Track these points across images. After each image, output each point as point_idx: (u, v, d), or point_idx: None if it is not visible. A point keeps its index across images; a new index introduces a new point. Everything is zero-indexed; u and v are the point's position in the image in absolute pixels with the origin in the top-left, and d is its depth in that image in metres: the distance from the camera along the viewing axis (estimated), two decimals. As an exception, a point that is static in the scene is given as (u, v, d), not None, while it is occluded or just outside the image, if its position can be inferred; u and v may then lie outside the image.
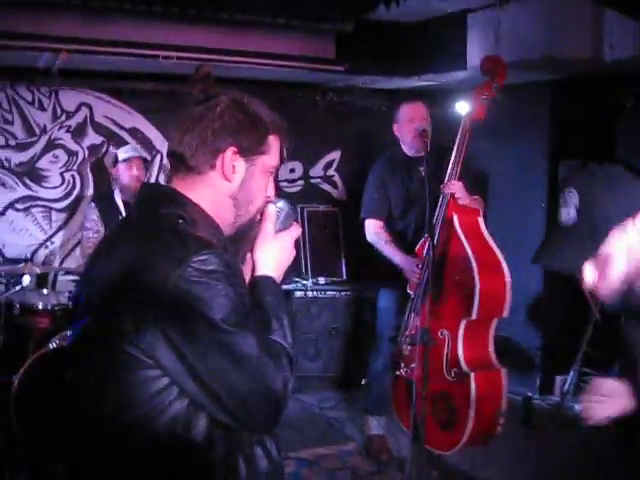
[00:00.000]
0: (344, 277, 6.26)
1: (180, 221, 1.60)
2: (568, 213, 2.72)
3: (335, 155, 6.62)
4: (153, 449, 1.53)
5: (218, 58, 4.98)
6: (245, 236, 1.77)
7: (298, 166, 6.49)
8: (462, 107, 5.10)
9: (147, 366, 1.49)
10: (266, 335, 1.60)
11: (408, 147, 4.54)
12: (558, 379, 5.65)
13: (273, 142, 1.74)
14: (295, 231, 1.83)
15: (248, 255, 1.80)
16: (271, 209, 1.79)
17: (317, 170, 6.58)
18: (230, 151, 1.68)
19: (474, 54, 4.98)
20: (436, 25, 5.22)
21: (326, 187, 6.62)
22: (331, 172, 6.62)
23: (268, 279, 1.74)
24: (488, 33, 4.84)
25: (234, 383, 1.51)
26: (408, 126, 4.46)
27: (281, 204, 1.80)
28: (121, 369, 1.51)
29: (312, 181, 6.56)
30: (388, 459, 4.56)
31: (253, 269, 1.76)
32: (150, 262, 1.51)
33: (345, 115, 6.50)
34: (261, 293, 1.70)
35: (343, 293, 6.01)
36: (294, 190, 6.46)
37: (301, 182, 6.51)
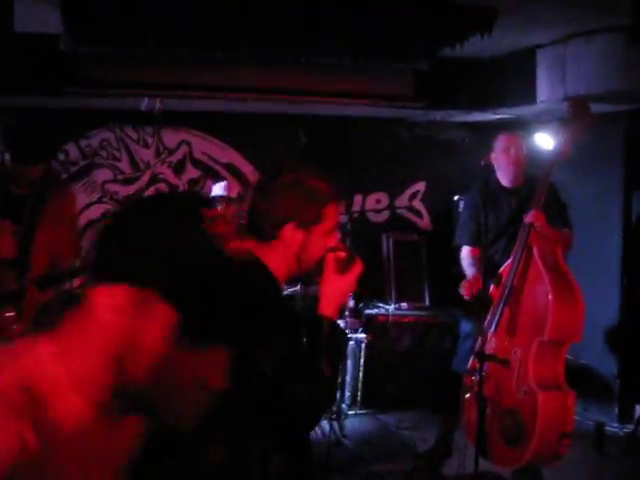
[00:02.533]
0: (427, 303, 6.49)
1: None
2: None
3: (420, 186, 6.90)
4: None
5: (301, 99, 5.40)
6: (310, 277, 2.20)
7: (384, 197, 6.82)
8: (542, 139, 5.32)
9: None
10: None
11: (502, 176, 4.72)
12: (638, 408, 5.67)
13: (330, 211, 2.11)
14: (356, 270, 2.16)
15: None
16: (330, 257, 2.15)
17: (402, 200, 6.89)
18: (291, 225, 2.06)
19: (543, 89, 5.17)
20: (507, 61, 5.46)
21: (411, 217, 6.91)
22: (416, 202, 6.91)
23: (325, 319, 2.11)
24: (555, 68, 5.02)
25: None
26: (503, 155, 4.65)
27: (342, 252, 2.17)
28: None
29: (397, 211, 6.87)
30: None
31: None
32: None
33: (429, 148, 6.78)
34: (319, 330, 2.08)
35: (424, 318, 6.25)
36: (380, 219, 6.79)
37: (387, 212, 6.83)
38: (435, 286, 6.52)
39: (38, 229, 3.97)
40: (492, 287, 4.40)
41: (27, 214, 3.95)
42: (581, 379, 5.89)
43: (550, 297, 4.12)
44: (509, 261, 4.36)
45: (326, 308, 2.12)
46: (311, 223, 2.08)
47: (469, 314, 4.82)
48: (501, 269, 4.44)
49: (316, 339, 2.05)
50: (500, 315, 4.28)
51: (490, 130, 6.49)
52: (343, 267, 2.16)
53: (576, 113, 4.28)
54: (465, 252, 4.88)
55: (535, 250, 4.27)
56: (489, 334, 4.28)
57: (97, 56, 4.89)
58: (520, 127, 6.24)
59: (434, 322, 6.23)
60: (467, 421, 4.55)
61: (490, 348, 4.29)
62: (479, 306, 4.34)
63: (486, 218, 4.62)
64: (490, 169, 4.72)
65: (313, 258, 2.13)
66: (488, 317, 4.33)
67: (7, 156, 3.86)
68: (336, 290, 2.14)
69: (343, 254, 2.17)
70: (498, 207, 4.70)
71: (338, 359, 2.13)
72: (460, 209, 5.03)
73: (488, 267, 4.62)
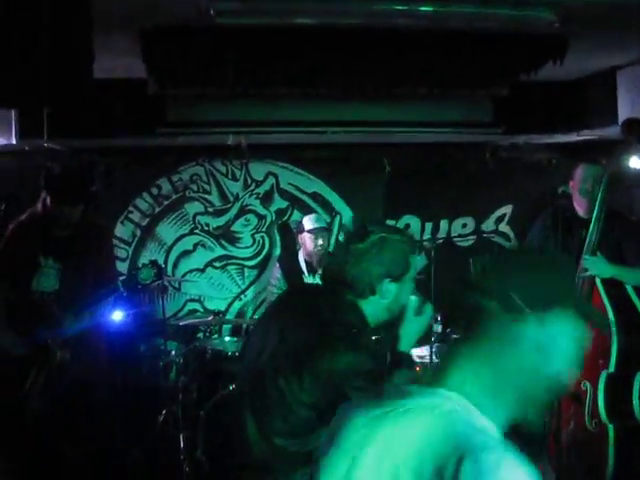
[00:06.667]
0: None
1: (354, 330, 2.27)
2: None
3: (506, 209, 6.86)
4: None
5: (380, 130, 5.50)
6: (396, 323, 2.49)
7: (470, 221, 6.82)
8: (634, 160, 5.08)
9: None
10: None
11: (578, 205, 4.55)
12: None
13: (413, 259, 2.38)
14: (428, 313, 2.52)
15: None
16: (412, 301, 2.48)
17: (489, 224, 6.86)
18: (385, 281, 2.32)
19: (624, 110, 5.09)
20: (588, 82, 5.40)
21: (498, 240, 6.87)
22: (503, 226, 6.87)
23: (404, 354, 2.48)
24: (635, 90, 4.94)
25: None
26: (578, 186, 4.51)
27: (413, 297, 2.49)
28: None
29: (484, 235, 6.84)
30: None
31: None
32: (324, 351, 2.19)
33: (515, 170, 6.73)
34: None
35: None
36: (466, 244, 6.78)
37: (473, 237, 6.82)
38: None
39: (79, 265, 4.25)
40: None
41: (68, 252, 4.23)
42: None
43: (613, 330, 3.99)
44: None
45: (405, 345, 2.45)
46: (402, 275, 2.34)
47: None
48: None
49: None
50: None
51: (577, 151, 6.43)
52: (419, 310, 2.48)
53: (630, 133, 4.18)
54: None
55: (598, 282, 4.15)
56: None
57: (183, 98, 5.16)
58: (607, 147, 6.14)
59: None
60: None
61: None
62: None
63: (556, 245, 4.54)
64: (568, 197, 4.67)
65: (400, 306, 2.41)
66: None
67: (48, 198, 4.10)
68: (416, 331, 2.48)
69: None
70: (569, 236, 4.53)
71: None
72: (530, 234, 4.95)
73: None
